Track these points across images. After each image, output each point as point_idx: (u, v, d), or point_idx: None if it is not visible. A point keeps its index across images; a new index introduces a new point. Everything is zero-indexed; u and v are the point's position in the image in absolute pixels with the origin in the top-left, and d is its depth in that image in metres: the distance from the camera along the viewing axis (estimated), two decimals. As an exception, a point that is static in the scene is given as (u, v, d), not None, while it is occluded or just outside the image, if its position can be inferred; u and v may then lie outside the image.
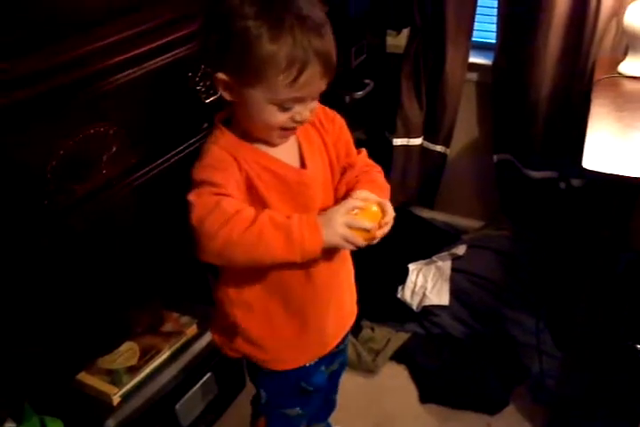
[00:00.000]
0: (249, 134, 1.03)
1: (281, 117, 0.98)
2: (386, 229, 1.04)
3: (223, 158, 1.00)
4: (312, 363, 1.23)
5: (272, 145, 1.05)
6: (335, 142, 1.13)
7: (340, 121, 1.15)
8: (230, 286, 1.13)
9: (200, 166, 1.00)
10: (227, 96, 0.99)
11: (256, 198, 1.02)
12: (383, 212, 1.04)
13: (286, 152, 1.07)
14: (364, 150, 1.20)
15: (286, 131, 1.02)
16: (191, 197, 0.97)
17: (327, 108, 1.13)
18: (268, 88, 0.93)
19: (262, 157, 1.03)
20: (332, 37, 0.95)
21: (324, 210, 1.04)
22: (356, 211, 1.01)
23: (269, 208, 1.01)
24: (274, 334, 1.16)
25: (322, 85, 0.97)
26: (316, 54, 0.91)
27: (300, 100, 0.97)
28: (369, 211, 1.03)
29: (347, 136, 1.16)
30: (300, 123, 1.01)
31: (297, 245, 0.96)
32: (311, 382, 1.26)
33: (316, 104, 1.02)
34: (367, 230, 1.00)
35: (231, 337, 1.19)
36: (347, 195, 1.09)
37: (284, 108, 0.96)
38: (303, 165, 1.08)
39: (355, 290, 1.29)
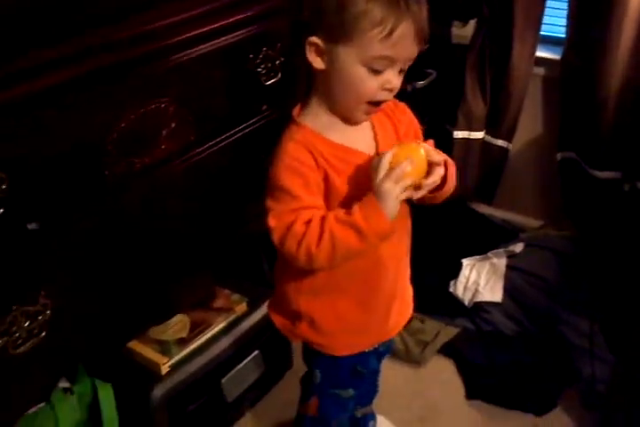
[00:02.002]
0: (332, 114, 1.04)
1: (372, 83, 0.98)
2: (438, 158, 1.01)
3: (301, 158, 1.01)
4: (371, 349, 1.25)
5: (354, 123, 1.06)
6: (407, 133, 1.14)
7: (410, 113, 1.16)
8: (295, 273, 1.14)
9: (280, 168, 1.02)
10: (318, 64, 1.00)
11: (330, 188, 1.04)
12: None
13: (362, 140, 1.08)
14: (431, 141, 1.18)
15: (373, 107, 1.03)
16: (271, 220, 1.02)
17: (397, 100, 1.13)
18: (362, 44, 0.94)
19: (338, 148, 1.04)
20: (427, 7, 0.97)
21: None
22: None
23: (340, 196, 1.04)
24: (338, 320, 1.17)
25: (413, 51, 0.98)
26: (410, 14, 0.93)
27: (392, 62, 0.97)
28: (401, 152, 0.99)
29: (417, 128, 1.17)
30: (390, 93, 1.01)
31: (370, 235, 0.99)
32: (367, 366, 1.27)
33: (401, 79, 1.02)
34: (411, 172, 0.98)
35: (294, 322, 1.19)
36: None
37: (374, 70, 0.97)
38: (377, 153, 1.08)
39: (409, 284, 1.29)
